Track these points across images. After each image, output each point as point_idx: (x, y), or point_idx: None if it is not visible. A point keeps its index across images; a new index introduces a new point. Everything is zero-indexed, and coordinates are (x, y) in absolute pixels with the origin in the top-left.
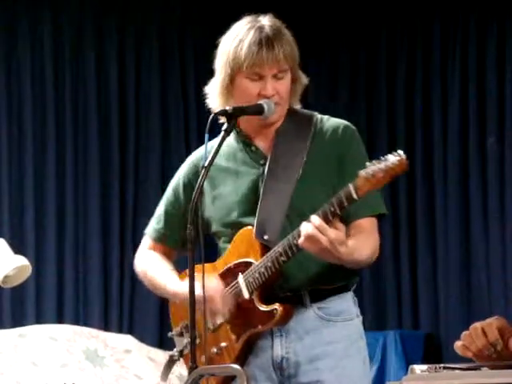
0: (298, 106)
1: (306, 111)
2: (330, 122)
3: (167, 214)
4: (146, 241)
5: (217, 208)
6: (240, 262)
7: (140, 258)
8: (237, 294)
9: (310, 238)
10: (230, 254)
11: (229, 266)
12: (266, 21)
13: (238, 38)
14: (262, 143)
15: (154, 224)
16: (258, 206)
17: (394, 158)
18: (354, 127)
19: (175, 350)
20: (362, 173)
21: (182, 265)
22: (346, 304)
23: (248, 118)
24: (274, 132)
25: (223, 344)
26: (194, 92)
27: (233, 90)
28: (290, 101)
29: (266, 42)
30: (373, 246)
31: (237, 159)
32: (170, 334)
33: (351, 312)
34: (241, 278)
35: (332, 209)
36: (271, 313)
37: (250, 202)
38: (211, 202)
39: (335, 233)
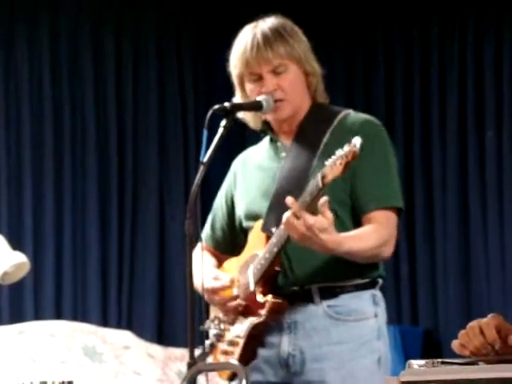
0: (325, 101)
1: (334, 107)
2: (354, 116)
3: (213, 216)
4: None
5: (243, 203)
6: (252, 254)
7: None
8: (247, 286)
9: (287, 224)
10: (248, 247)
11: (246, 258)
12: (264, 23)
13: (235, 46)
14: (285, 138)
15: (206, 226)
16: (270, 199)
17: (348, 147)
18: (377, 122)
19: (207, 342)
20: (328, 161)
21: None
22: (360, 303)
23: (272, 117)
24: (295, 127)
25: (235, 337)
26: (191, 88)
27: (246, 93)
28: (310, 94)
29: (252, 43)
30: (379, 238)
31: (265, 155)
32: (201, 327)
33: (366, 311)
34: (250, 270)
35: (306, 198)
36: (263, 305)
37: (269, 196)
38: (241, 197)
39: (314, 218)
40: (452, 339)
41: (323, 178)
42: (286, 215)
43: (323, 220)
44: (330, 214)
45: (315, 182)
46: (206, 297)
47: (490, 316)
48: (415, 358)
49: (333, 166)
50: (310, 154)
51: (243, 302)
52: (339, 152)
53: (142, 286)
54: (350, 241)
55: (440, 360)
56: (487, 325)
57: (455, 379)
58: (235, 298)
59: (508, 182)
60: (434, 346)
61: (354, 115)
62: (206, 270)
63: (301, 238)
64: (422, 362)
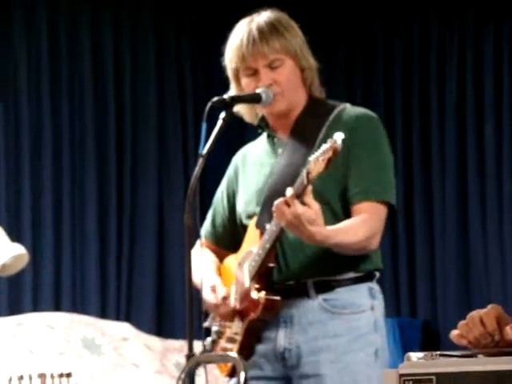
0: (322, 95)
1: (331, 101)
2: (350, 110)
3: (214, 211)
4: (201, 237)
5: (242, 200)
6: (248, 251)
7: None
8: (242, 283)
9: (277, 210)
10: (244, 244)
11: (243, 255)
12: (260, 17)
13: (231, 40)
14: (282, 133)
15: (206, 221)
16: (264, 195)
17: (329, 143)
18: (373, 115)
19: (208, 339)
20: (311, 158)
21: None
22: (356, 296)
23: (268, 111)
24: (293, 122)
25: (233, 334)
26: (190, 80)
27: (241, 87)
28: (305, 89)
29: (247, 37)
30: (367, 231)
31: (264, 151)
32: (205, 323)
33: (362, 304)
34: (245, 267)
35: (298, 191)
36: (257, 301)
37: (264, 192)
38: (241, 195)
39: (304, 209)
40: (451, 330)
41: (308, 174)
42: (277, 201)
43: (311, 212)
44: (316, 206)
45: (301, 178)
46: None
47: (490, 306)
48: (414, 350)
49: (316, 162)
50: (306, 151)
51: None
52: (322, 147)
53: (140, 278)
54: (339, 234)
55: (439, 352)
56: (487, 315)
57: (454, 372)
58: (229, 314)
59: (507, 175)
60: (432, 338)
61: (349, 109)
62: (205, 273)
63: (288, 225)
64: (421, 354)
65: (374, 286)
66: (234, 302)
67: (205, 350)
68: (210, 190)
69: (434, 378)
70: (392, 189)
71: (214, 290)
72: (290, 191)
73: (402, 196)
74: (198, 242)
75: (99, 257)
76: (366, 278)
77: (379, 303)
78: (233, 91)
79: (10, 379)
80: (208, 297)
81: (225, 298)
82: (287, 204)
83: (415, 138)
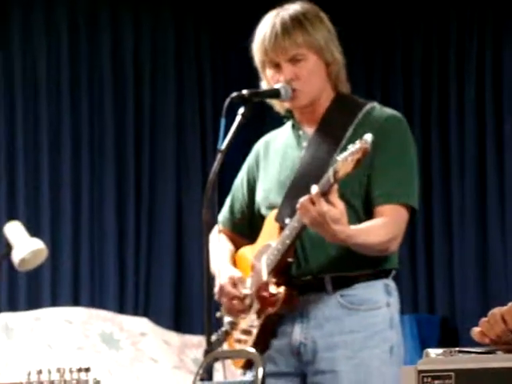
0: (346, 90)
1: (359, 99)
2: (379, 111)
3: (232, 198)
4: (219, 224)
5: (261, 190)
6: (266, 244)
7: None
8: (260, 276)
9: (302, 207)
10: (262, 236)
11: (260, 248)
12: (286, 10)
13: (257, 33)
14: (307, 126)
15: (224, 207)
16: (286, 189)
17: (359, 143)
18: (401, 118)
19: (221, 329)
20: (339, 157)
21: None
22: (372, 292)
23: (291, 106)
24: (319, 116)
25: (248, 326)
26: (209, 75)
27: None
28: (331, 84)
29: (271, 31)
30: (387, 234)
31: (287, 143)
32: (218, 313)
33: (378, 301)
34: (263, 260)
35: (323, 189)
36: (276, 295)
37: (286, 186)
38: (261, 184)
39: (329, 207)
40: (469, 327)
41: (335, 173)
42: (303, 199)
43: (336, 211)
44: (341, 205)
45: (327, 176)
46: (215, 291)
47: (510, 304)
48: (432, 346)
49: (344, 161)
50: (332, 148)
51: (245, 315)
52: (351, 148)
53: (159, 273)
54: (361, 234)
55: (457, 349)
56: (509, 312)
57: (473, 368)
58: (242, 311)
59: None
60: (450, 335)
61: (378, 110)
62: (223, 263)
63: (312, 222)
64: (440, 350)
65: (390, 282)
66: (249, 294)
67: (217, 340)
68: (229, 186)
69: (452, 374)
70: (415, 192)
71: (234, 284)
72: (315, 189)
73: (421, 193)
74: (215, 228)
75: (117, 252)
76: (383, 274)
77: (395, 300)
78: (263, 82)
79: (29, 374)
80: (228, 289)
81: (246, 296)
82: (312, 201)
83: (434, 136)
